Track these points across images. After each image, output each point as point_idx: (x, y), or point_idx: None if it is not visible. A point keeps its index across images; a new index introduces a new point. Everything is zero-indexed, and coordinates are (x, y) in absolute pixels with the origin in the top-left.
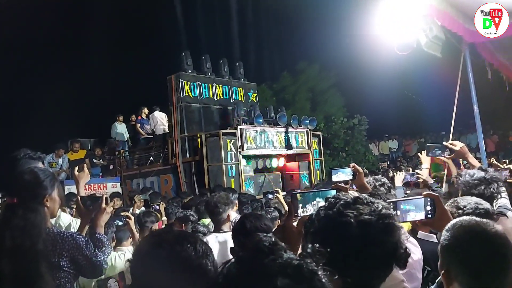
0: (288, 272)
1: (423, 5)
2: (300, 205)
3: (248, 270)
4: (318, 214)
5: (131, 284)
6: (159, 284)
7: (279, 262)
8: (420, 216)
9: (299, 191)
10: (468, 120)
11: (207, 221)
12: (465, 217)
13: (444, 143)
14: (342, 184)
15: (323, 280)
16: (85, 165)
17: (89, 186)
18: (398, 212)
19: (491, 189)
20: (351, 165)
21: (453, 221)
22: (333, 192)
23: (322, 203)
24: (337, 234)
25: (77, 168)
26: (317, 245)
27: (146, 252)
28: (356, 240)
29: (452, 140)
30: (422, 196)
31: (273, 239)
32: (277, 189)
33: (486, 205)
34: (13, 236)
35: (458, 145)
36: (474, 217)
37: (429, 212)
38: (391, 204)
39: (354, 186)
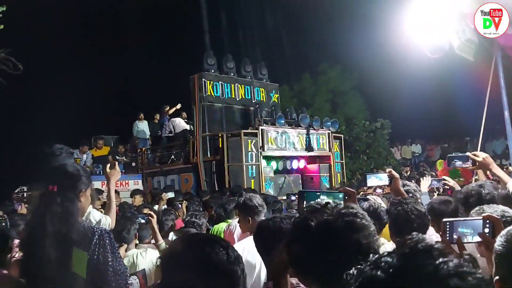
0: (461, 275)
1: (457, 6)
2: (305, 203)
3: (417, 267)
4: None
5: (161, 281)
6: (187, 285)
7: (450, 264)
8: (477, 238)
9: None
10: (494, 126)
11: (233, 222)
12: None
13: (467, 153)
14: (350, 189)
15: None
16: (116, 163)
17: None
18: (455, 234)
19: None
20: (388, 170)
21: (508, 228)
22: (340, 194)
23: (325, 200)
24: (300, 237)
25: (108, 165)
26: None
27: (177, 251)
28: (317, 240)
29: (480, 145)
30: (481, 218)
31: (432, 243)
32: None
33: None
34: (52, 221)
35: (481, 155)
36: None
37: (488, 234)
38: (448, 223)
39: (378, 190)
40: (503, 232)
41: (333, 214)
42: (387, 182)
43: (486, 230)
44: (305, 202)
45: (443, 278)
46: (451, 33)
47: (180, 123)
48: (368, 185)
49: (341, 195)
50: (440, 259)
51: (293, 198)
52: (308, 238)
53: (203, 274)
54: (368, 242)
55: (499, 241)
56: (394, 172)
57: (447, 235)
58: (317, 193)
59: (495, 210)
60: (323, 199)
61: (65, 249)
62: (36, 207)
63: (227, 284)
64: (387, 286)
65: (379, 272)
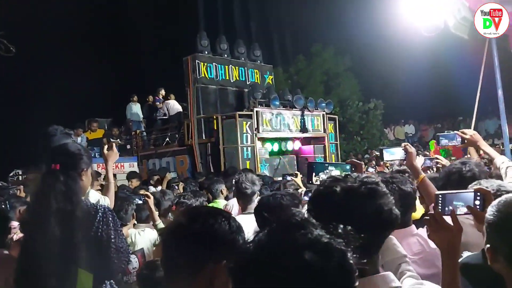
0: (317, 247)
1: None
2: (314, 173)
3: (278, 241)
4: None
5: (163, 256)
6: (191, 256)
7: (309, 237)
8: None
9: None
10: (486, 106)
11: (223, 202)
12: (511, 194)
13: (455, 131)
14: (357, 160)
15: (351, 262)
16: (114, 144)
17: None
18: (449, 207)
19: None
20: (403, 144)
21: (500, 198)
22: (347, 166)
23: (334, 171)
24: (324, 202)
25: (106, 147)
26: (350, 227)
27: (181, 224)
28: (340, 205)
29: (473, 125)
30: (472, 190)
31: (305, 215)
32: (296, 172)
33: (509, 188)
34: (56, 200)
35: (468, 133)
36: None
37: (478, 206)
38: (440, 196)
39: (370, 169)
40: (494, 202)
41: (355, 181)
42: (399, 157)
43: (477, 202)
44: (314, 174)
45: (299, 251)
46: (447, 12)
47: (175, 105)
48: (385, 159)
49: (348, 167)
50: (301, 232)
51: (288, 178)
52: (332, 203)
53: (207, 244)
54: (389, 209)
55: (490, 211)
56: (409, 146)
57: (440, 207)
58: (326, 165)
59: (491, 184)
60: (331, 170)
61: (70, 227)
62: (38, 186)
63: (230, 252)
64: (254, 260)
65: (250, 246)
